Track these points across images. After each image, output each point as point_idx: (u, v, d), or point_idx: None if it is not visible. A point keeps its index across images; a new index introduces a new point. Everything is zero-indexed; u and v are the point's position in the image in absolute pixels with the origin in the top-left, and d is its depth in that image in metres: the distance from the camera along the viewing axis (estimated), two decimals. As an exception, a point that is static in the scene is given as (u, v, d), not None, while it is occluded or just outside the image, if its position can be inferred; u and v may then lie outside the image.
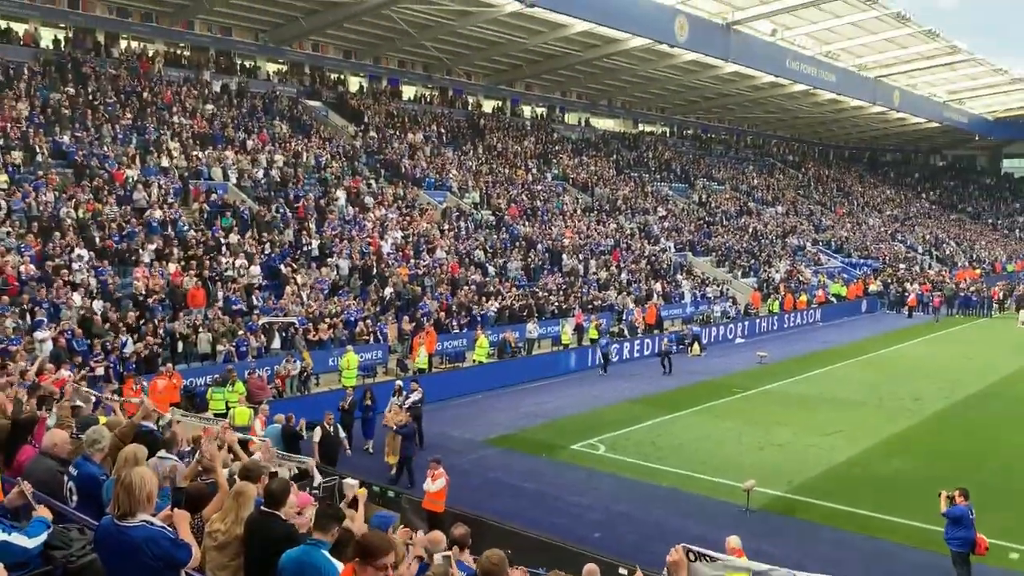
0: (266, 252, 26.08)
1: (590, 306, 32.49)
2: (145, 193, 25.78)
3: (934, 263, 56.61)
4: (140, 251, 23.22)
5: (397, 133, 40.57)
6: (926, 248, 59.68)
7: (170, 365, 19.16)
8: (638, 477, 16.78)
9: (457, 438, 19.46)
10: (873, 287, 47.69)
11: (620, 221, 43.11)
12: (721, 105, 61.30)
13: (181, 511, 5.26)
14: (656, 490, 16.04)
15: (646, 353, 30.84)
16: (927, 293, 45.73)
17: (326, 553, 5.06)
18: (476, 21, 37.89)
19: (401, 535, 7.27)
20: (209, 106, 33.61)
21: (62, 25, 33.92)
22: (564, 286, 33.26)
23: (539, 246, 35.72)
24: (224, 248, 25.28)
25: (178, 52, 37.55)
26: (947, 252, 59.68)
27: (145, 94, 31.86)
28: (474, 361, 26.27)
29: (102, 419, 8.37)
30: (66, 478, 6.16)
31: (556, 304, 31.56)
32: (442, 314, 27.17)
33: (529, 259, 34.26)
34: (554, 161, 47.39)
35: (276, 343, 22.64)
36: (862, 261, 52.75)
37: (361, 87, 44.67)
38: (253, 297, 23.75)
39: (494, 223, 36.49)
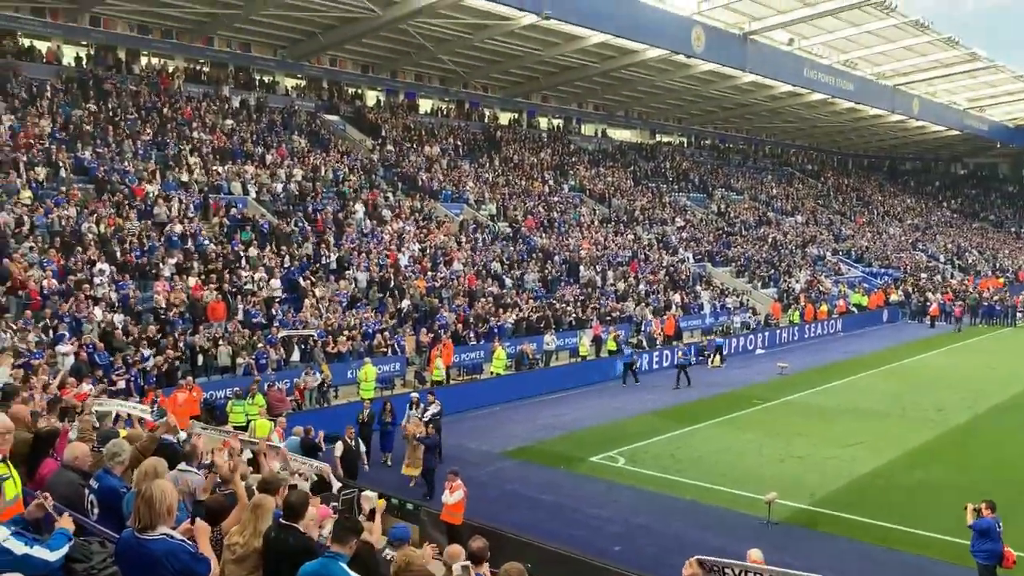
0: (285, 265, 26.24)
1: (608, 318, 32.39)
2: (166, 208, 26.02)
3: (956, 272, 56.04)
4: (161, 265, 23.43)
5: (414, 146, 40.76)
6: (948, 257, 59.11)
7: (190, 378, 19.24)
8: (658, 489, 16.66)
9: (475, 450, 19.42)
10: (894, 297, 47.26)
11: (638, 232, 43.02)
12: (739, 115, 61.16)
13: (202, 524, 5.28)
14: (676, 502, 15.92)
15: (665, 365, 30.69)
16: (949, 302, 45.26)
17: (344, 566, 5.05)
18: (492, 34, 38.05)
19: (428, 551, 7.23)
20: (228, 121, 33.92)
21: (84, 43, 34.39)
22: (581, 297, 33.20)
23: (556, 257, 35.70)
24: (244, 262, 25.46)
25: (198, 68, 37.95)
26: (969, 261, 59.07)
27: (165, 110, 32.22)
28: (491, 373, 26.24)
29: (123, 432, 8.41)
30: (87, 491, 6.18)
31: (573, 316, 31.49)
32: (459, 326, 27.19)
33: (546, 271, 34.24)
34: (571, 172, 47.40)
35: (295, 356, 22.75)
36: (883, 271, 52.30)
37: (378, 101, 44.93)
38: (272, 310, 23.88)
39: (511, 235, 36.52)
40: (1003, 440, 20.72)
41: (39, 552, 4.40)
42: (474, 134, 46.61)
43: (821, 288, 44.84)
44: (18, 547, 4.32)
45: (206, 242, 25.59)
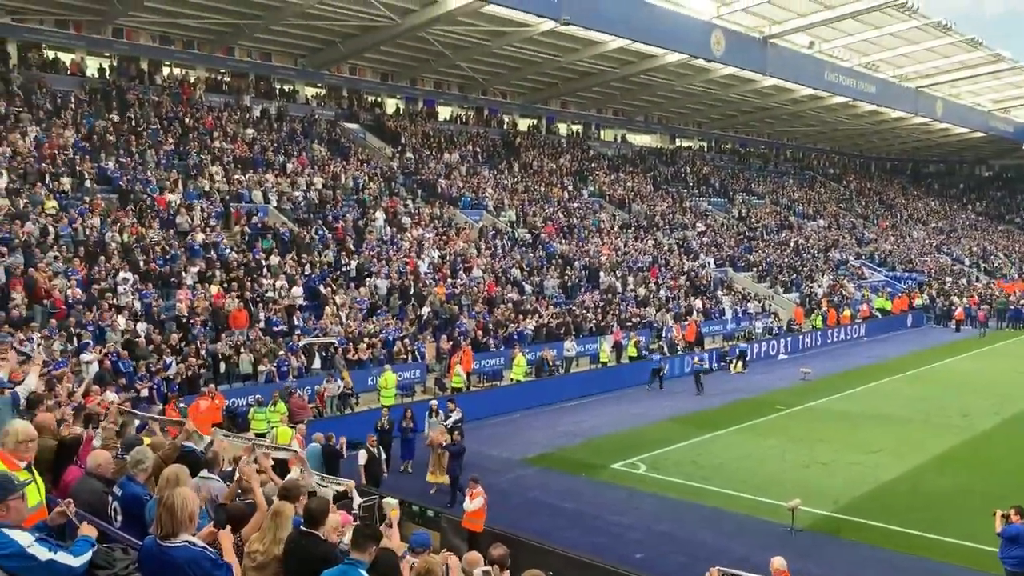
0: (306, 273, 26.38)
1: (628, 323, 32.28)
2: (187, 217, 26.25)
3: (982, 275, 55.37)
4: (183, 274, 23.63)
5: (433, 153, 40.89)
6: (973, 260, 58.42)
7: (212, 386, 19.38)
8: (680, 496, 16.55)
9: (495, 457, 19.38)
10: (918, 301, 46.77)
11: (658, 237, 42.89)
12: (759, 119, 60.86)
13: (226, 532, 5.29)
14: (699, 510, 15.80)
15: (687, 370, 30.52)
16: (974, 306, 44.70)
17: (364, 573, 5.05)
18: (511, 41, 38.12)
19: (443, 557, 7.22)
20: (249, 130, 34.19)
21: (107, 54, 34.83)
22: (602, 303, 33.11)
23: (576, 263, 35.65)
24: (265, 270, 25.63)
25: (219, 78, 38.31)
26: (995, 264, 58.34)
27: (187, 119, 32.54)
28: (511, 380, 26.21)
29: (146, 439, 8.46)
30: (110, 498, 6.22)
31: (594, 322, 31.41)
32: (479, 333, 27.20)
33: (566, 277, 34.19)
34: (590, 178, 47.35)
35: (316, 363, 22.86)
36: (907, 275, 51.79)
37: (398, 109, 45.13)
38: (294, 318, 24.01)
39: (530, 241, 36.51)
40: (1031, 446, 20.41)
41: (63, 558, 4.43)
42: (493, 141, 46.69)
43: (844, 292, 44.45)
44: (42, 553, 4.36)
45: (228, 250, 25.79)
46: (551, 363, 27.76)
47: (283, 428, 17.27)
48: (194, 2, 32.06)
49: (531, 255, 35.01)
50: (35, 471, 5.70)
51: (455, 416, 18.58)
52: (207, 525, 5.51)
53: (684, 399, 26.44)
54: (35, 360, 9.68)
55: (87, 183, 26.06)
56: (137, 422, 10.64)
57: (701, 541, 14.09)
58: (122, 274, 22.13)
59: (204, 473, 7.19)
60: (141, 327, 20.77)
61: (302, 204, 30.73)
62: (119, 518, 6.08)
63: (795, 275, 44.80)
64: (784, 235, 51.06)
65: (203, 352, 20.96)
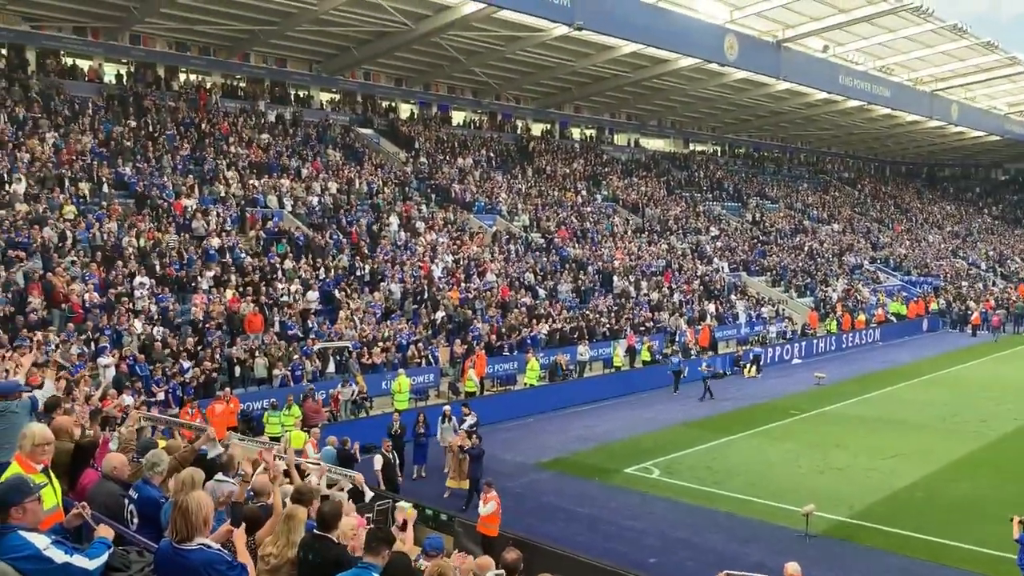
0: (321, 277, 26.49)
1: (642, 328, 32.22)
2: (203, 221, 26.43)
3: (998, 280, 54.94)
4: (199, 278, 23.79)
5: (447, 158, 40.99)
6: (989, 264, 57.97)
7: (228, 389, 19.48)
8: (694, 501, 16.51)
9: (509, 461, 19.38)
10: (934, 305, 46.45)
11: (672, 241, 42.79)
12: (773, 123, 60.65)
13: (240, 531, 5.33)
14: (713, 515, 15.76)
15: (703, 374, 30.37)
16: (990, 310, 44.33)
17: (377, 576, 5.07)
18: (524, 46, 38.18)
19: (456, 560, 7.25)
20: (264, 136, 34.39)
21: (124, 61, 35.14)
22: (615, 308, 33.07)
23: (589, 268, 35.63)
24: (280, 274, 25.76)
25: (235, 84, 38.56)
26: (1012, 268, 57.86)
27: (203, 125, 32.78)
28: (525, 384, 26.22)
29: (160, 443, 8.54)
30: (126, 501, 6.28)
31: (607, 326, 31.38)
32: (492, 337, 27.21)
33: (579, 281, 34.18)
34: (604, 182, 47.32)
35: (331, 367, 22.94)
36: (922, 279, 51.44)
37: (412, 114, 45.28)
38: (308, 322, 24.11)
39: (544, 245, 36.53)
40: (1050, 452, 20.23)
41: (78, 561, 4.47)
42: (507, 145, 46.75)
43: (859, 297, 44.21)
44: (58, 555, 4.40)
45: (243, 255, 25.94)
46: (564, 367, 27.73)
47: (296, 432, 17.36)
48: (210, 9, 32.30)
49: (545, 259, 35.02)
50: (52, 474, 5.76)
51: (470, 420, 18.61)
52: (224, 524, 5.56)
53: (697, 404, 26.38)
54: (52, 364, 9.78)
55: (104, 188, 26.29)
56: (160, 426, 10.74)
57: (715, 546, 14.05)
58: (139, 278, 22.31)
59: (219, 476, 7.24)
60: (157, 331, 20.93)
61: (317, 209, 30.88)
62: (135, 521, 6.14)
63: (809, 279, 44.60)
64: (798, 239, 50.84)
65: (218, 356, 21.08)
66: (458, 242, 32.94)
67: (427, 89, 45.68)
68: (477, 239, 33.95)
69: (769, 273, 43.99)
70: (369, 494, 11.47)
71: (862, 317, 41.27)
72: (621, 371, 29.35)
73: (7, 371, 9.23)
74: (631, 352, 30.26)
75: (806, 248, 49.35)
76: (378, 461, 16.00)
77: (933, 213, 68.86)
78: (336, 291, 26.17)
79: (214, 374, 20.51)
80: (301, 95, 40.66)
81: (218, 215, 27.25)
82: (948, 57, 48.47)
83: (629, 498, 16.87)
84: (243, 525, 5.63)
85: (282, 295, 24.74)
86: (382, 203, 33.45)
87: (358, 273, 27.84)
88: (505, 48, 38.55)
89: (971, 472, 18.43)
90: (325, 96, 42.05)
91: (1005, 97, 59.52)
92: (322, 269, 26.97)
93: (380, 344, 24.36)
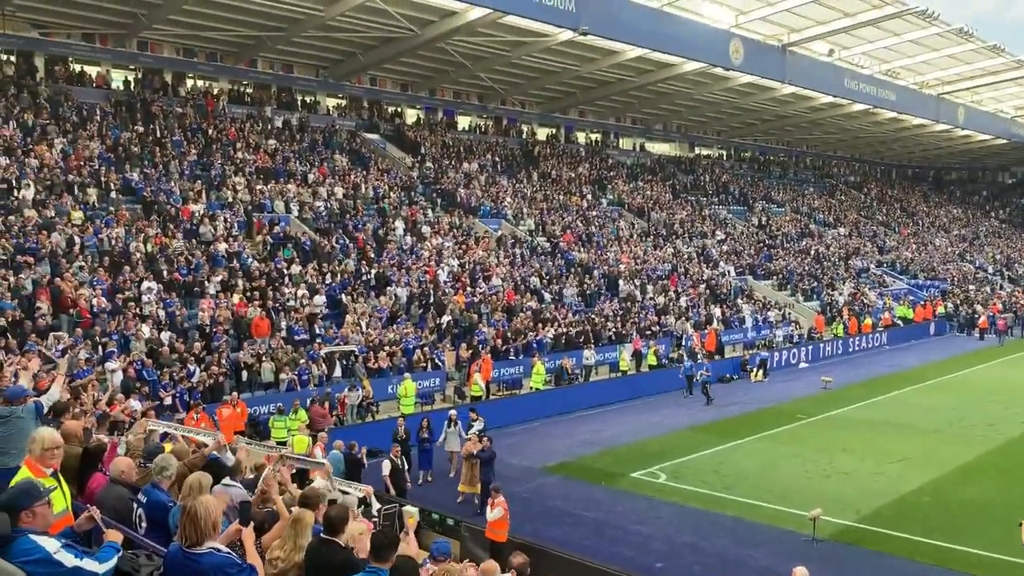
0: (327, 282, 26.56)
1: (648, 332, 32.20)
2: (210, 227, 26.53)
3: (1006, 283, 54.77)
4: (206, 283, 23.87)
5: (453, 163, 41.07)
6: (996, 268, 57.79)
7: (235, 394, 19.54)
8: (701, 506, 16.48)
9: (515, 465, 19.38)
10: (941, 309, 46.31)
11: (677, 245, 42.78)
12: (779, 127, 60.62)
13: (249, 530, 5.36)
14: (720, 519, 15.72)
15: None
16: (998, 314, 44.20)
17: (384, 580, 5.09)
18: (530, 51, 38.26)
19: (463, 565, 7.26)
20: (271, 141, 34.51)
21: (132, 67, 35.34)
22: (621, 312, 33.06)
23: (595, 272, 35.63)
24: (286, 279, 25.83)
25: (241, 90, 38.74)
26: (1019, 272, 57.68)
27: (210, 131, 32.92)
28: (531, 388, 26.21)
29: (167, 447, 8.58)
30: (135, 505, 6.32)
31: (613, 330, 31.36)
32: (498, 341, 27.23)
33: (585, 285, 34.18)
34: (609, 187, 47.35)
35: (337, 371, 22.98)
36: (929, 282, 51.32)
37: (418, 119, 45.39)
38: (315, 326, 24.17)
39: (549, 250, 36.56)
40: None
41: (88, 564, 4.51)
42: (512, 150, 46.83)
43: (865, 301, 44.12)
44: (68, 559, 4.43)
45: (250, 260, 26.02)
46: (570, 372, 27.72)
47: (300, 437, 17.39)
48: (217, 15, 32.48)
49: (550, 264, 35.04)
50: (61, 478, 5.80)
51: (478, 426, 18.53)
52: (233, 523, 5.59)
53: (704, 408, 26.31)
54: (59, 369, 9.82)
55: (112, 194, 26.42)
56: (161, 430, 10.77)
57: (722, 551, 14.02)
58: (146, 283, 22.40)
59: (227, 480, 7.27)
60: (165, 336, 21.01)
61: (323, 214, 30.96)
62: (143, 525, 6.17)
63: (816, 283, 44.54)
64: (804, 243, 50.77)
65: (225, 361, 21.14)
66: (464, 246, 32.99)
67: (433, 94, 45.82)
68: (483, 243, 34.00)
69: (775, 277, 43.93)
70: (377, 506, 11.48)
71: (868, 321, 41.19)
72: (627, 375, 29.33)
73: (16, 375, 9.28)
74: (637, 356, 30.24)
75: (812, 252, 49.28)
76: (386, 466, 15.94)
77: (940, 217, 68.72)
78: (342, 296, 26.23)
79: (221, 378, 20.58)
80: (308, 101, 40.82)
81: (225, 220, 27.36)
82: (954, 60, 48.41)
83: (635, 502, 16.85)
84: (251, 524, 5.66)
85: (289, 300, 24.81)
86: (388, 208, 33.53)
87: (364, 278, 27.90)
88: (510, 53, 38.64)
89: (979, 476, 18.36)
90: (332, 101, 42.21)
91: (1012, 100, 59.41)
92: (328, 274, 27.04)
93: (386, 348, 24.39)
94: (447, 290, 29.09)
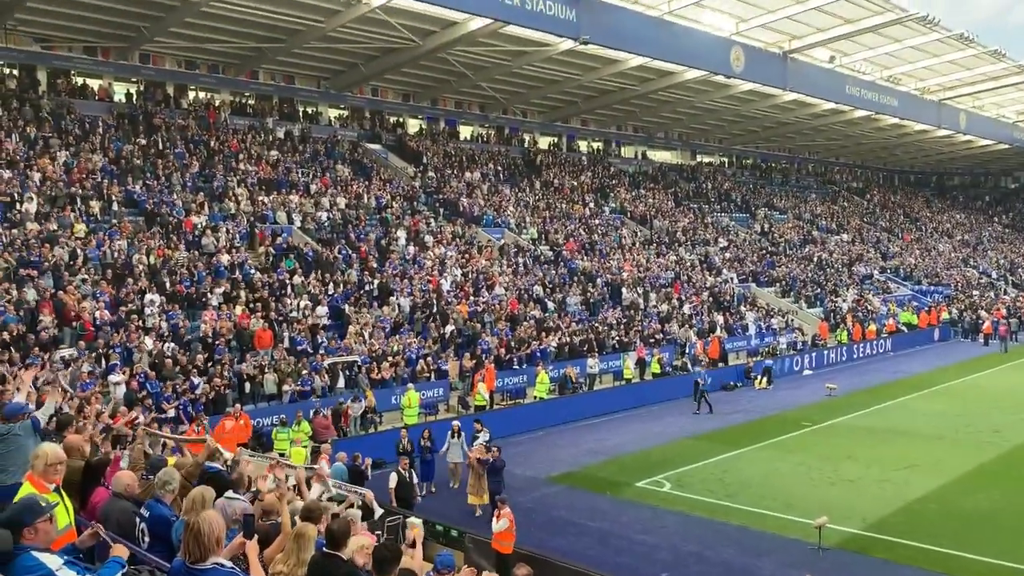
0: (329, 292, 26.55)
1: (652, 340, 32.15)
2: (213, 238, 26.57)
3: (1010, 288, 54.65)
4: (208, 295, 23.88)
5: (455, 172, 41.12)
6: (1000, 273, 57.68)
7: (238, 406, 19.50)
8: (706, 515, 16.41)
9: (519, 475, 19.31)
10: (945, 315, 46.21)
11: (680, 253, 42.76)
12: (781, 134, 60.63)
13: (253, 543, 5.33)
14: (725, 528, 15.65)
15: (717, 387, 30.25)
16: (1001, 319, 44.09)
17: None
18: (531, 60, 38.33)
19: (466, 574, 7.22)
20: (273, 152, 34.58)
21: (134, 80, 35.46)
22: (624, 320, 33.02)
23: (598, 280, 35.60)
24: (289, 290, 25.84)
25: (243, 101, 38.84)
26: (1023, 277, 57.56)
27: (212, 142, 32.99)
28: (535, 397, 26.16)
29: (170, 460, 8.56)
30: (138, 520, 6.29)
31: (616, 338, 31.32)
32: (502, 350, 27.19)
33: (588, 293, 34.15)
34: (611, 195, 47.37)
35: (340, 382, 22.94)
36: (933, 288, 51.22)
37: (420, 129, 45.48)
38: (318, 337, 24.15)
39: (552, 258, 36.55)
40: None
41: (91, 581, 4.49)
42: (514, 159, 46.89)
43: (869, 307, 44.03)
44: (71, 576, 4.42)
45: (252, 271, 26.03)
46: (574, 380, 27.68)
47: (297, 448, 17.35)
48: (219, 27, 32.60)
49: (553, 272, 35.03)
50: (63, 493, 5.78)
51: (483, 437, 18.34)
52: (237, 536, 5.56)
53: (707, 416, 26.23)
54: (57, 384, 9.77)
55: (115, 206, 26.48)
56: (163, 442, 10.76)
57: (727, 560, 13.96)
58: (149, 296, 22.41)
59: (229, 493, 7.25)
60: (168, 348, 21.00)
61: (326, 224, 30.99)
62: (146, 539, 6.15)
63: (819, 290, 44.46)
64: (807, 250, 50.72)
65: (228, 372, 21.12)
66: (466, 256, 32.99)
67: (434, 104, 45.91)
68: (485, 253, 34.00)
69: (778, 284, 43.87)
70: (379, 511, 11.44)
71: (872, 327, 41.09)
72: (631, 383, 29.28)
73: (18, 389, 9.25)
74: (641, 364, 30.19)
75: (815, 258, 49.23)
76: (392, 479, 15.73)
77: (943, 222, 68.64)
78: (345, 306, 26.22)
79: (224, 390, 20.55)
80: (309, 111, 40.93)
81: (227, 232, 27.39)
82: (955, 66, 48.39)
83: (640, 512, 16.79)
84: (255, 537, 5.63)
85: (291, 311, 24.81)
86: (390, 218, 33.56)
87: (367, 288, 27.89)
88: (512, 63, 38.72)
89: (986, 483, 18.27)
90: (333, 112, 42.31)
91: (1014, 105, 59.37)
92: (331, 284, 27.04)
93: (389, 359, 24.36)
94: (450, 300, 29.08)
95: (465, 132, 47.92)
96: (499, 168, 44.17)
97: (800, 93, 44.89)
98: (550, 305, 32.04)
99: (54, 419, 8.87)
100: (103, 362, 19.39)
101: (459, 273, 31.22)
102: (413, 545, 7.53)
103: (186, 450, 10.49)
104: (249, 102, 39.05)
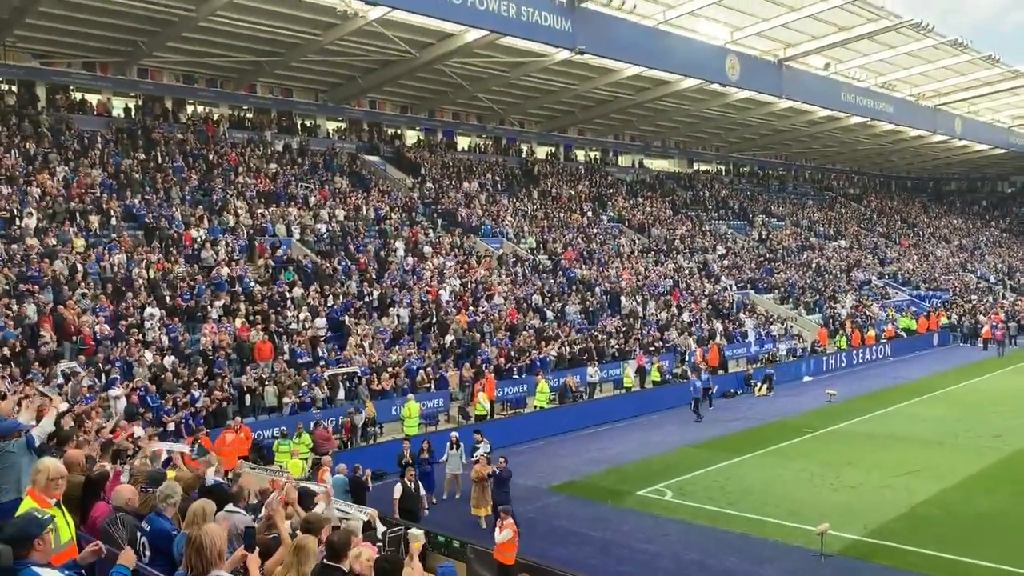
0: (329, 304, 26.56)
1: (651, 348, 32.15)
2: (212, 251, 26.59)
3: (1008, 292, 54.70)
4: (208, 308, 23.88)
5: (453, 183, 41.20)
6: (999, 278, 57.74)
7: (239, 418, 19.48)
8: (707, 523, 16.38)
9: (521, 485, 19.22)
10: (944, 320, 46.24)
11: (679, 261, 42.81)
12: (777, 141, 60.80)
13: (254, 556, 5.34)
14: (727, 536, 15.62)
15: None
16: (1000, 323, 44.11)
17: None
18: (527, 71, 38.47)
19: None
20: (272, 165, 34.66)
21: (132, 94, 35.56)
22: (623, 328, 33.03)
23: (597, 289, 35.64)
24: (288, 302, 25.85)
25: (242, 115, 38.95)
26: (1022, 281, 57.61)
27: (211, 156, 33.07)
28: (535, 407, 26.15)
29: (170, 473, 8.56)
30: (139, 534, 6.30)
31: (616, 347, 31.32)
32: (502, 360, 27.19)
33: (587, 302, 34.17)
34: (609, 203, 47.46)
35: (341, 394, 22.94)
36: (931, 293, 51.27)
37: (418, 140, 45.60)
38: (318, 349, 24.15)
39: (551, 267, 36.59)
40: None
41: (93, 596, 4.50)
42: (512, 169, 46.99)
43: (868, 313, 44.06)
44: (72, 592, 4.43)
45: (252, 284, 26.04)
46: (574, 389, 27.67)
47: (294, 461, 17.32)
48: (216, 41, 32.72)
49: (552, 281, 35.06)
50: (64, 508, 5.79)
51: (483, 448, 18.23)
52: (238, 549, 5.57)
53: (709, 424, 26.22)
54: (53, 403, 9.78)
55: (114, 220, 26.50)
56: (164, 455, 10.76)
57: (729, 568, 13.93)
58: (149, 309, 22.41)
59: (230, 507, 7.25)
60: (168, 361, 21.00)
61: (325, 236, 31.04)
62: (147, 553, 6.16)
63: (818, 296, 44.51)
64: (806, 256, 50.80)
65: (228, 385, 21.10)
66: (465, 266, 33.02)
67: (432, 115, 46.03)
68: (484, 262, 34.03)
69: (777, 291, 43.92)
70: (382, 528, 11.40)
71: (872, 333, 41.12)
72: (631, 392, 29.26)
73: (19, 406, 9.27)
74: (641, 373, 30.19)
75: (813, 265, 49.30)
76: (397, 490, 15.57)
77: (940, 227, 68.76)
78: (345, 317, 26.23)
79: (224, 403, 20.54)
80: (308, 124, 41.04)
81: (227, 245, 27.42)
82: (950, 72, 48.59)
83: (642, 520, 16.76)
84: (257, 550, 5.64)
85: (291, 323, 24.82)
86: (389, 229, 33.61)
87: (367, 299, 27.90)
88: (508, 73, 38.86)
89: (988, 488, 18.26)
90: (331, 125, 42.42)
91: (1008, 110, 59.58)
92: (330, 296, 27.05)
93: (389, 370, 24.36)
94: (449, 310, 29.09)
95: (463, 143, 48.05)
96: (497, 178, 44.26)
97: (796, 100, 45.06)
98: (549, 314, 32.06)
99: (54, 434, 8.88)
100: (103, 377, 19.39)
101: (458, 283, 31.25)
102: (414, 557, 7.54)
103: (183, 464, 10.45)
104: (247, 116, 39.15)
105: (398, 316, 27.59)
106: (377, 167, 40.75)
